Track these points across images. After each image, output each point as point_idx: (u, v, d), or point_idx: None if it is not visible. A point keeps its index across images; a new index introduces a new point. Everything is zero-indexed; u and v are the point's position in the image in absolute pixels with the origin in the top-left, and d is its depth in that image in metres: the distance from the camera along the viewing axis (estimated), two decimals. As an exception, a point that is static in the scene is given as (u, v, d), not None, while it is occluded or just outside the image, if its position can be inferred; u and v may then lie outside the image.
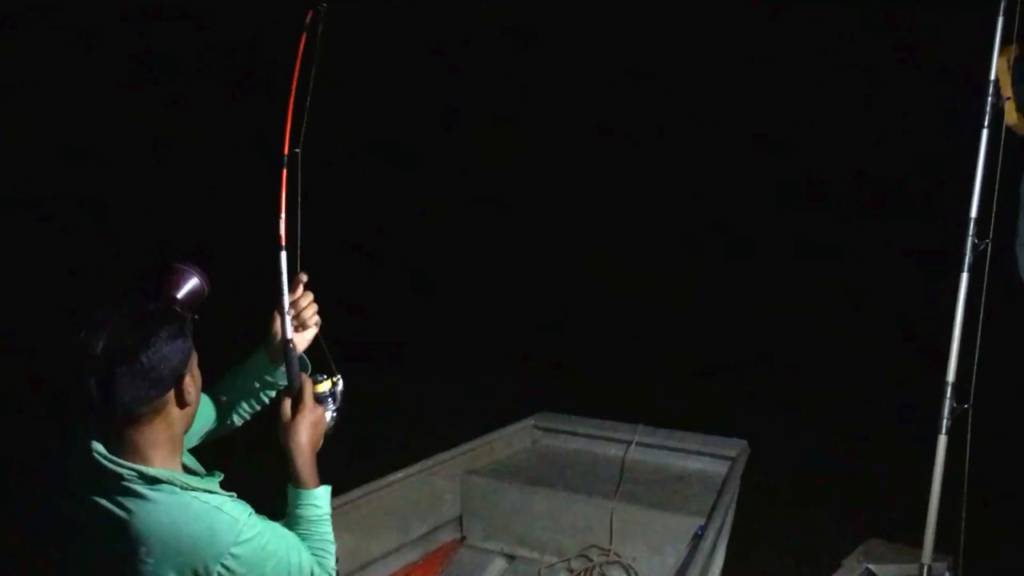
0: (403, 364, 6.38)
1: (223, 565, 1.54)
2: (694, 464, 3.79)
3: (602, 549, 3.41)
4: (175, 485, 1.57)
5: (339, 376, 1.94)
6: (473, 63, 9.46)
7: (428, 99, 9.65)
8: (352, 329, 6.65)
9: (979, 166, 2.43)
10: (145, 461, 1.57)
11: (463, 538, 3.65)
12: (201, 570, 1.53)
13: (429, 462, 3.52)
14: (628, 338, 7.13)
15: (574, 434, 3.99)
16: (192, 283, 1.76)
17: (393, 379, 5.97)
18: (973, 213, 2.44)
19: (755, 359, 6.68)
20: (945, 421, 2.48)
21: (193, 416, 1.67)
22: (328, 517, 1.82)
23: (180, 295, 1.73)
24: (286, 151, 1.95)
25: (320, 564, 1.74)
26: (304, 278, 1.95)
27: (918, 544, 2.57)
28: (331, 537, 1.81)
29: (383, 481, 3.33)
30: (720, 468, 3.67)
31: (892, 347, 6.60)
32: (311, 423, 1.83)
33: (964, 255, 2.44)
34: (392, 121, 9.36)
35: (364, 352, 6.43)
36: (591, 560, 3.39)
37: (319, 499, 1.82)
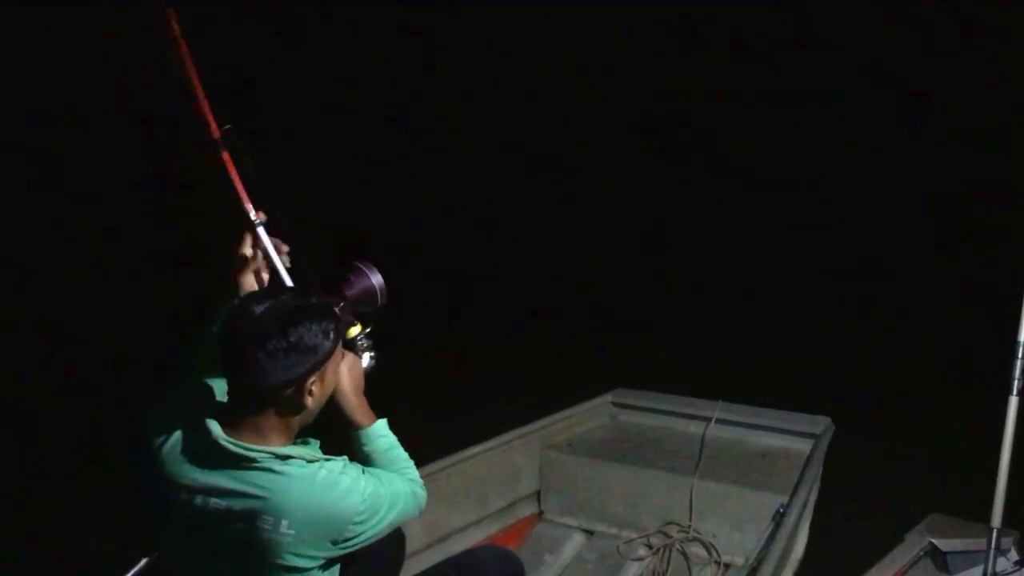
0: (483, 338, 6.41)
1: (354, 523, 1.66)
2: (776, 441, 3.70)
3: (681, 526, 3.38)
4: (303, 459, 1.65)
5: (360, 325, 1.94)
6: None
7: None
8: (439, 302, 6.82)
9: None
10: (265, 442, 1.63)
11: (541, 513, 3.66)
12: (336, 535, 1.64)
13: (507, 436, 3.53)
14: (709, 313, 7.02)
15: (652, 410, 3.94)
16: (364, 286, 1.81)
17: (472, 352, 6.03)
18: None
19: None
20: (1017, 382, 2.41)
21: (312, 415, 1.73)
22: (397, 443, 1.90)
23: (349, 294, 1.79)
24: (217, 134, 1.87)
25: (413, 480, 1.85)
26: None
27: (982, 519, 2.50)
28: (407, 456, 1.90)
29: (462, 454, 3.36)
30: (803, 445, 3.59)
31: (957, 305, 6.35)
32: (347, 368, 1.83)
33: None
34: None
35: (448, 326, 6.57)
36: (670, 537, 3.36)
37: (383, 431, 1.89)
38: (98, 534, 3.43)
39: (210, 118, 1.87)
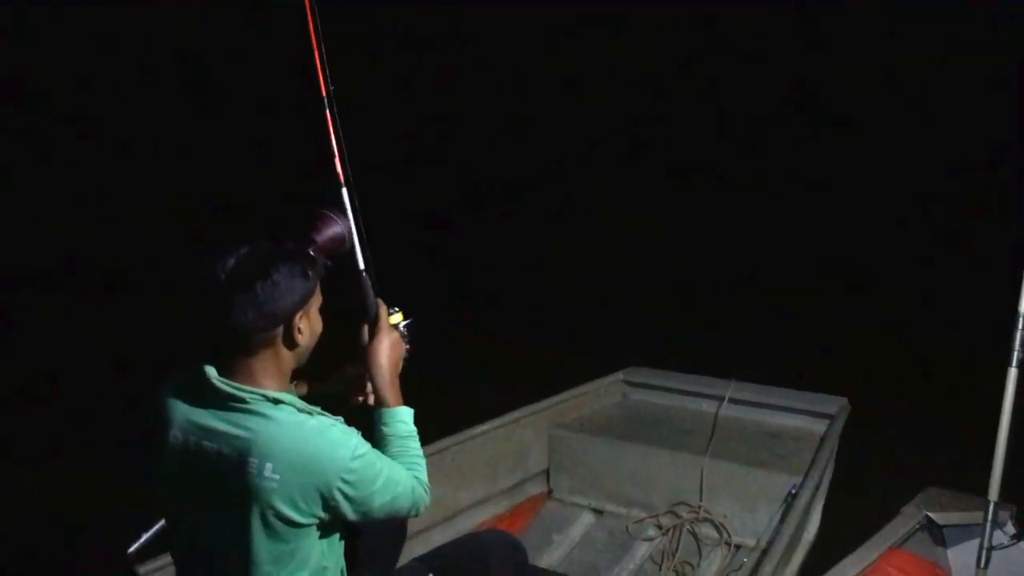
0: (492, 316, 6.38)
1: (343, 480, 1.61)
2: (790, 421, 3.64)
3: (692, 506, 3.33)
4: (294, 407, 1.65)
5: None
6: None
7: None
8: (445, 281, 6.81)
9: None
10: (258, 386, 1.65)
11: (550, 491, 3.62)
12: (324, 489, 1.60)
13: (516, 414, 3.49)
14: (722, 291, 6.97)
15: (664, 389, 3.89)
16: (333, 231, 1.83)
17: (482, 330, 6.00)
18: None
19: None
20: (1016, 353, 2.32)
21: (302, 357, 1.73)
22: (416, 435, 1.88)
23: (319, 239, 1.80)
24: (324, 92, 1.99)
25: (417, 479, 1.81)
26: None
27: (978, 492, 2.46)
28: (421, 453, 1.87)
29: (471, 432, 3.33)
30: (817, 426, 3.53)
31: (955, 275, 6.30)
32: (389, 344, 1.91)
33: None
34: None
35: (457, 304, 6.54)
36: (680, 517, 3.32)
37: (406, 417, 1.89)
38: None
39: (322, 76, 1.99)
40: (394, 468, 1.75)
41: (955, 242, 7.25)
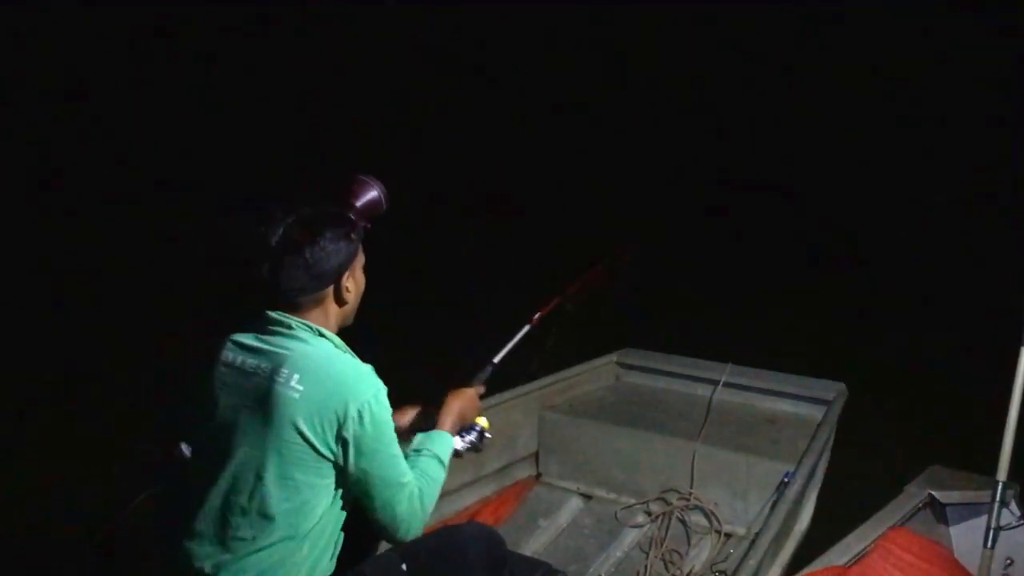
0: (484, 294, 6.34)
1: (359, 413, 1.68)
2: (786, 407, 3.58)
3: (682, 493, 3.26)
4: (334, 343, 1.79)
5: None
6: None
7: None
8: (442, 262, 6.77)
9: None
10: None
11: (539, 475, 3.56)
12: (341, 411, 1.67)
13: (506, 396, 3.40)
14: (721, 273, 6.94)
15: (658, 372, 3.82)
16: (371, 195, 1.94)
17: (473, 309, 5.96)
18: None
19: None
20: None
21: (349, 315, 1.88)
22: (442, 465, 1.95)
23: (358, 204, 1.91)
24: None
25: (421, 491, 1.83)
26: None
27: (981, 471, 2.47)
28: (439, 480, 1.92)
29: None
30: (814, 412, 3.45)
31: (964, 256, 6.26)
32: (472, 399, 2.19)
33: None
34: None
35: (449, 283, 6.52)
36: (670, 503, 3.24)
37: (447, 443, 2.01)
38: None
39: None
40: (405, 467, 1.80)
41: (955, 242, 7.21)
